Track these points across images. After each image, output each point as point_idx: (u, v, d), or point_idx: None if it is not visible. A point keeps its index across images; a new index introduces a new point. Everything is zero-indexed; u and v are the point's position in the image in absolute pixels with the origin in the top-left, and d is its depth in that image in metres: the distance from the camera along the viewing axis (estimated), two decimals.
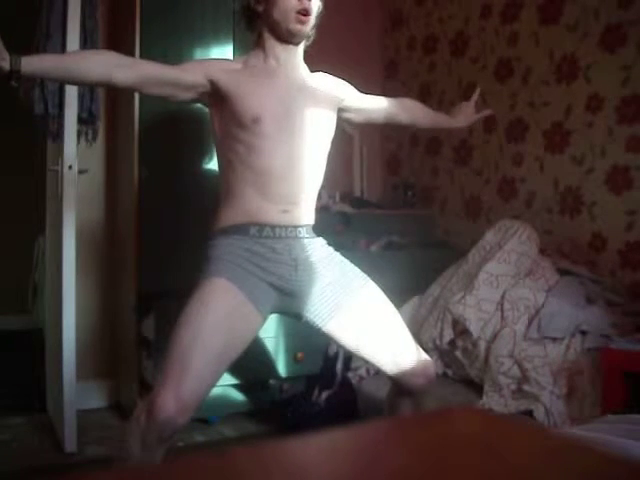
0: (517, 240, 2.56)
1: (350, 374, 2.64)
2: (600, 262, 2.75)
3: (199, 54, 2.73)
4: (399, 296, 2.15)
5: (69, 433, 2.34)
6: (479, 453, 0.49)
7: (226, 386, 2.63)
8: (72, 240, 2.37)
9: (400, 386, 1.72)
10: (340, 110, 1.86)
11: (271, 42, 1.72)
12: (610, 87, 2.71)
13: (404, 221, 3.45)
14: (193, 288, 1.57)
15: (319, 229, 1.78)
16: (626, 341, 2.10)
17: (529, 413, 2.11)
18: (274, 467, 0.46)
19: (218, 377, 1.53)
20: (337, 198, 3.46)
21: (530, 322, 2.31)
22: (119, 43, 2.83)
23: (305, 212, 1.72)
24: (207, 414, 2.59)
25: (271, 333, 2.69)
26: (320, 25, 1.78)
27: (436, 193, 3.65)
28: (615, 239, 2.71)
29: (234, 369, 2.37)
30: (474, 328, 2.39)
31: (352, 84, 1.91)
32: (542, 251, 2.67)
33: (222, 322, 1.52)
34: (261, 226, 1.64)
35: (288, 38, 1.70)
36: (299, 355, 2.74)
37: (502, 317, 2.37)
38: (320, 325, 1.69)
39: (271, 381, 2.79)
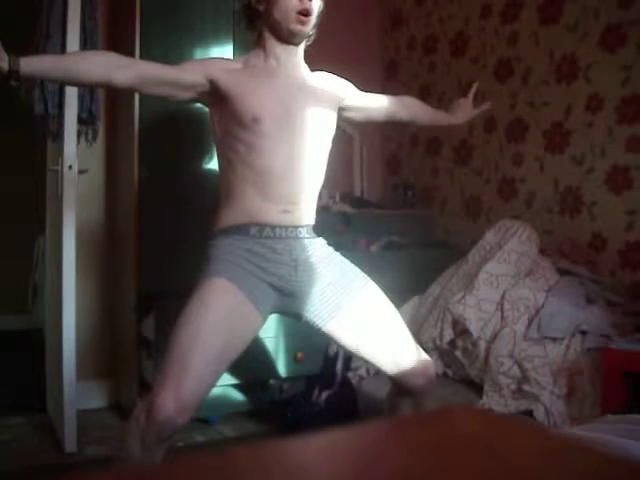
0: (517, 240, 2.56)
1: (350, 374, 2.64)
2: (600, 262, 2.75)
3: (199, 54, 2.73)
4: (399, 296, 2.15)
5: (69, 433, 2.34)
6: (479, 453, 0.49)
7: (226, 386, 2.63)
8: (72, 240, 2.37)
9: (400, 386, 1.72)
10: (341, 109, 1.86)
11: (271, 42, 1.72)
12: (610, 87, 2.71)
13: (404, 221, 3.45)
14: (193, 288, 1.57)
15: (319, 229, 1.78)
16: (626, 341, 2.10)
17: (529, 413, 2.11)
18: (274, 467, 0.46)
19: (218, 377, 1.53)
20: (337, 198, 3.46)
21: (530, 322, 2.31)
22: (119, 43, 2.83)
23: (305, 212, 1.72)
24: (207, 414, 2.59)
25: (271, 333, 2.69)
26: (320, 25, 1.78)
27: (436, 193, 3.65)
28: (615, 239, 2.71)
29: (234, 369, 2.37)
30: (474, 328, 2.39)
31: (352, 84, 1.91)
32: (542, 251, 2.67)
33: (222, 322, 1.52)
34: (261, 226, 1.64)
35: (288, 38, 1.70)
36: (299, 355, 2.74)
37: (502, 317, 2.37)
38: (320, 325, 1.69)
39: (271, 381, 2.79)
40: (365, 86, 1.96)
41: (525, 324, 2.31)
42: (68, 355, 2.37)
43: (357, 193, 3.74)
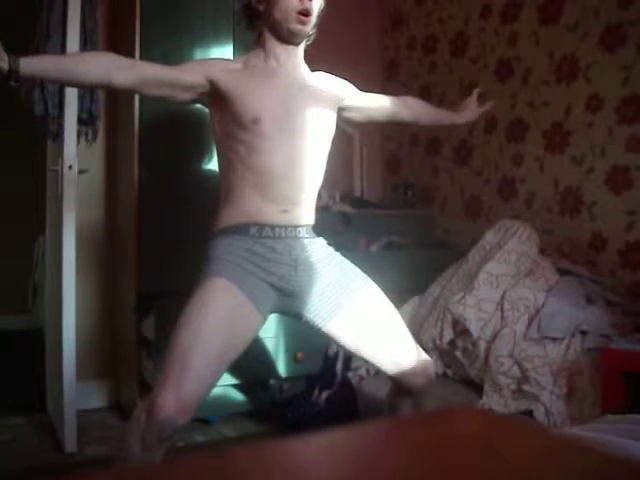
0: (517, 240, 2.56)
1: (350, 374, 2.64)
2: (600, 262, 2.75)
3: (199, 54, 2.73)
4: (399, 296, 2.15)
5: (69, 433, 2.34)
6: (479, 453, 0.49)
7: (226, 386, 2.63)
8: (72, 240, 2.37)
9: (400, 386, 1.72)
10: (340, 109, 1.85)
11: (272, 42, 1.72)
12: (610, 87, 2.71)
13: (404, 221, 3.45)
14: (193, 288, 1.57)
15: (319, 229, 1.78)
16: (626, 341, 2.10)
17: (529, 413, 2.11)
18: (274, 467, 0.46)
19: (218, 377, 1.53)
20: (337, 198, 3.46)
21: (530, 322, 2.31)
22: (119, 43, 2.83)
23: (305, 212, 1.72)
24: (207, 414, 2.59)
25: (271, 333, 2.69)
26: (320, 25, 1.77)
27: (436, 193, 3.65)
28: (615, 239, 2.71)
29: (234, 369, 2.37)
30: (474, 328, 2.39)
31: (352, 84, 1.91)
32: (542, 251, 2.67)
33: (222, 322, 1.52)
34: (261, 226, 1.64)
35: (289, 38, 1.70)
36: (299, 355, 2.74)
37: (502, 317, 2.37)
38: (320, 325, 1.69)
39: (271, 381, 2.79)
40: (365, 86, 1.96)
41: (525, 324, 2.31)
42: (68, 355, 2.37)
43: (357, 193, 3.74)
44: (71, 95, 2.37)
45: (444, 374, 2.56)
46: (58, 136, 2.49)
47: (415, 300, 2.81)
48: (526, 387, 2.15)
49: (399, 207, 3.62)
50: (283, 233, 1.66)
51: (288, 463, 0.47)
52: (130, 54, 2.55)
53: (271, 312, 1.69)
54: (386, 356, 1.69)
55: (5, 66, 1.42)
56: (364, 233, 3.18)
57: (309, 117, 1.71)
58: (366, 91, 1.94)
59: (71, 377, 2.38)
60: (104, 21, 2.92)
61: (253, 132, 1.63)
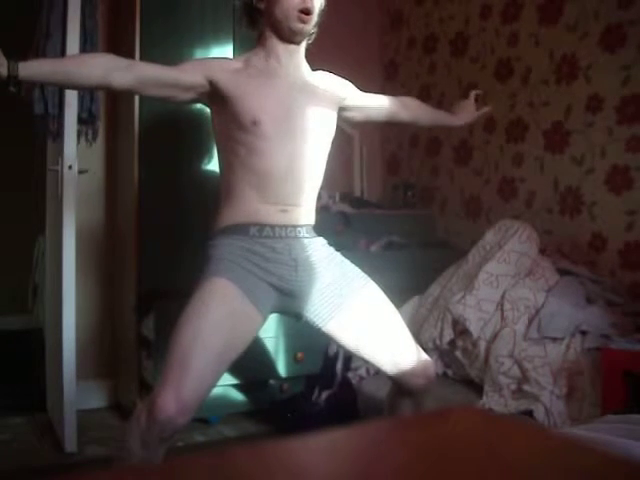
0: (517, 240, 2.56)
1: (350, 374, 2.64)
2: (600, 262, 2.75)
3: (199, 54, 2.73)
4: (399, 296, 2.15)
5: (69, 433, 2.34)
6: (479, 453, 0.49)
7: (226, 386, 2.63)
8: (72, 240, 2.37)
9: (400, 386, 1.72)
10: (341, 109, 1.85)
11: (273, 41, 1.71)
12: (610, 87, 2.71)
13: (404, 221, 3.45)
14: (193, 288, 1.57)
15: (319, 229, 1.78)
16: (626, 341, 2.10)
17: (529, 413, 2.11)
18: (274, 467, 0.46)
19: (219, 377, 1.53)
20: (337, 198, 3.46)
21: (530, 322, 2.31)
22: (119, 43, 2.83)
23: (305, 212, 1.72)
24: (207, 414, 2.59)
25: (271, 333, 2.69)
26: (320, 25, 1.77)
27: (436, 193, 3.65)
28: (615, 239, 2.71)
29: (234, 369, 2.37)
30: (474, 328, 2.39)
31: (352, 84, 1.91)
32: (542, 251, 2.66)
33: (223, 322, 1.52)
34: (261, 226, 1.64)
35: (290, 37, 1.70)
36: (299, 355, 2.74)
37: (502, 317, 2.37)
38: (320, 325, 1.69)
39: (271, 381, 2.79)
40: (365, 86, 1.96)
41: (525, 324, 2.31)
42: (68, 355, 2.37)
43: (357, 193, 3.73)
44: (71, 95, 2.37)
45: (444, 374, 2.56)
46: (58, 136, 2.49)
47: (415, 300, 2.81)
48: (526, 387, 2.15)
49: (399, 207, 3.62)
50: (283, 233, 1.66)
51: (288, 463, 0.47)
52: (130, 54, 2.55)
53: (271, 312, 1.69)
54: (386, 356, 1.69)
55: (4, 72, 1.42)
56: (364, 233, 3.18)
57: (310, 118, 1.71)
58: (366, 91, 1.94)
59: (71, 377, 2.38)
60: (104, 21, 2.92)
61: (253, 133, 1.63)
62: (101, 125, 2.81)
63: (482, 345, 2.36)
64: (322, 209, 2.84)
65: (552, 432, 1.30)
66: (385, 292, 1.74)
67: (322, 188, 1.83)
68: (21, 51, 1.48)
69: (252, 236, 1.64)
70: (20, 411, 2.78)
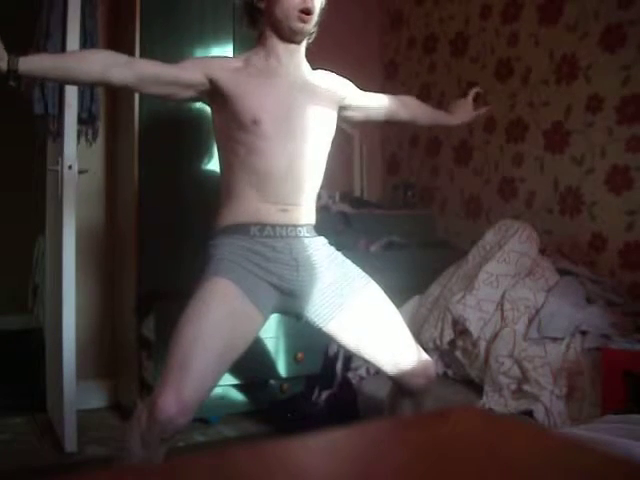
0: (517, 240, 2.56)
1: (350, 374, 2.63)
2: (600, 262, 2.75)
3: (199, 54, 2.73)
4: (399, 296, 2.15)
5: (69, 433, 2.34)
6: (479, 453, 0.49)
7: (226, 386, 2.63)
8: (72, 240, 2.37)
9: (400, 386, 1.72)
10: (341, 108, 1.85)
11: (273, 40, 1.71)
12: (610, 87, 2.71)
13: (404, 221, 3.45)
14: (194, 288, 1.57)
15: (319, 229, 1.78)
16: (626, 341, 2.09)
17: (529, 413, 2.11)
18: (274, 467, 0.46)
19: (219, 377, 1.53)
20: (337, 198, 3.46)
21: (530, 322, 2.31)
22: (119, 43, 2.83)
23: (305, 212, 1.72)
24: (207, 414, 2.59)
25: (271, 333, 2.69)
26: (320, 24, 1.77)
27: (436, 193, 3.65)
28: (615, 239, 2.71)
29: (234, 369, 2.36)
30: (474, 328, 2.39)
31: (352, 83, 1.91)
32: (542, 251, 2.66)
33: (223, 322, 1.52)
34: (262, 226, 1.64)
35: (290, 36, 1.69)
36: (299, 355, 2.74)
37: (502, 317, 2.37)
38: (321, 325, 1.69)
39: (271, 381, 2.79)
40: (365, 86, 1.96)
41: (525, 324, 2.31)
42: (68, 355, 2.37)
43: (357, 193, 3.73)
44: (71, 94, 2.37)
45: (444, 374, 2.56)
46: (58, 136, 2.49)
47: (415, 300, 2.80)
48: (526, 387, 2.15)
49: (399, 207, 3.62)
50: (284, 232, 1.66)
51: (288, 463, 0.47)
52: (130, 54, 2.53)
53: (272, 312, 1.69)
54: (386, 356, 1.69)
55: (4, 66, 1.42)
56: (364, 233, 3.18)
57: (310, 117, 1.71)
58: (366, 90, 1.94)
59: (71, 377, 2.38)
60: (104, 21, 2.92)
61: (253, 133, 1.63)
62: (101, 125, 2.81)
63: (482, 345, 2.36)
64: (322, 209, 2.84)
65: (552, 432, 1.30)
66: (385, 292, 1.74)
67: (322, 188, 1.83)
68: (21, 50, 1.48)
69: (253, 236, 1.64)
70: (20, 411, 2.78)
